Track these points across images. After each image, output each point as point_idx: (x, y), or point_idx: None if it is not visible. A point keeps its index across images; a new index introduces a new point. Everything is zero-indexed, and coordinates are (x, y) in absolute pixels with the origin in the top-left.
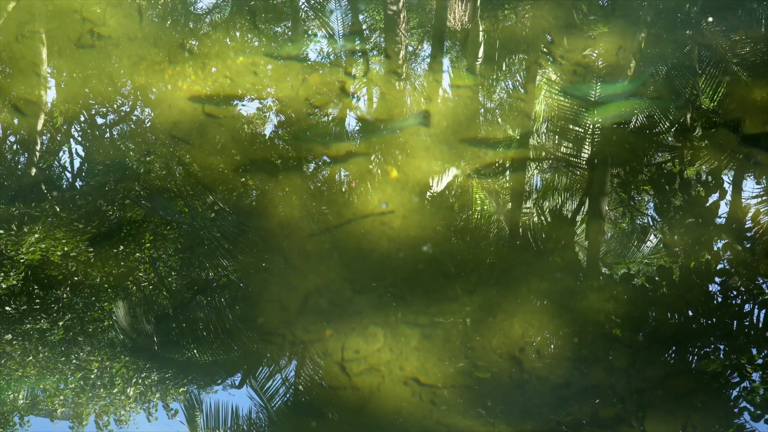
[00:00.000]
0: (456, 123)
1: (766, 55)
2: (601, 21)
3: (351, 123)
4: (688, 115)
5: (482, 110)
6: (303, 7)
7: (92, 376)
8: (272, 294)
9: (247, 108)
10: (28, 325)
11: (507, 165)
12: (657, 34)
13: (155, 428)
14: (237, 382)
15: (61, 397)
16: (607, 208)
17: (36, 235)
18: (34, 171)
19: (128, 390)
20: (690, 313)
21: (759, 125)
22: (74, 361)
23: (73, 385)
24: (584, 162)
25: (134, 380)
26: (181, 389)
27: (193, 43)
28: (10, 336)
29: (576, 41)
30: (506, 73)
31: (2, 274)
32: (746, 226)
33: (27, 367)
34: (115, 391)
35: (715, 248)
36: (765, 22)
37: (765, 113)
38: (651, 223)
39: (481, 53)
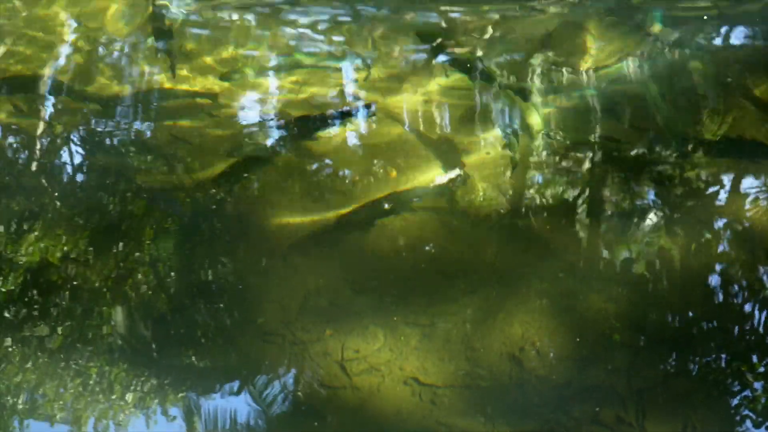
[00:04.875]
0: (456, 123)
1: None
2: (601, 21)
3: (350, 122)
4: (688, 117)
5: (483, 110)
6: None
7: (91, 381)
8: (272, 294)
9: (247, 108)
10: (26, 330)
11: (508, 165)
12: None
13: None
14: (236, 383)
15: (61, 402)
16: (607, 209)
17: (35, 234)
18: (33, 170)
19: (128, 388)
20: (690, 314)
21: (759, 126)
22: (72, 365)
23: (72, 390)
24: (585, 162)
25: (133, 378)
26: (180, 390)
27: (193, 42)
28: (9, 340)
29: (576, 41)
30: (507, 73)
31: (1, 275)
32: (747, 227)
33: (26, 371)
34: (114, 393)
35: (716, 249)
36: (764, 22)
37: (765, 114)
38: (652, 224)
39: (481, 54)
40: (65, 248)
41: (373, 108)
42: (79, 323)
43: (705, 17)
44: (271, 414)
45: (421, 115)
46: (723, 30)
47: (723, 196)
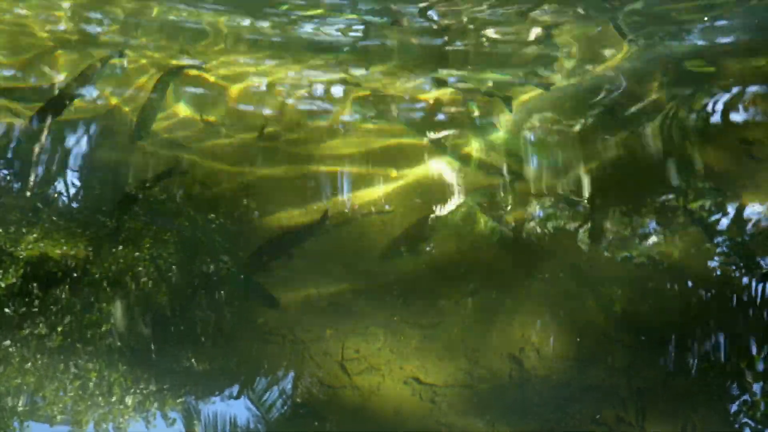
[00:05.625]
0: (456, 123)
1: (764, 54)
2: (600, 21)
3: (350, 122)
4: (687, 114)
5: (484, 111)
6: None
7: (91, 385)
8: (272, 294)
9: (246, 109)
10: (27, 332)
11: (509, 165)
12: (653, 33)
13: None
14: (237, 383)
15: (60, 405)
16: (608, 209)
17: (34, 236)
18: (32, 174)
19: (127, 388)
20: (690, 314)
21: (755, 124)
22: (73, 369)
23: (72, 393)
24: (585, 162)
25: (132, 377)
26: (181, 389)
27: (192, 44)
28: (8, 342)
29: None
30: (506, 73)
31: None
32: (748, 227)
33: (26, 375)
34: (113, 395)
35: (716, 249)
36: (763, 22)
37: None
38: (652, 224)
39: (480, 55)
40: (65, 244)
41: None
42: (77, 322)
43: (705, 19)
44: (271, 413)
45: (418, 115)
46: None
47: (724, 194)
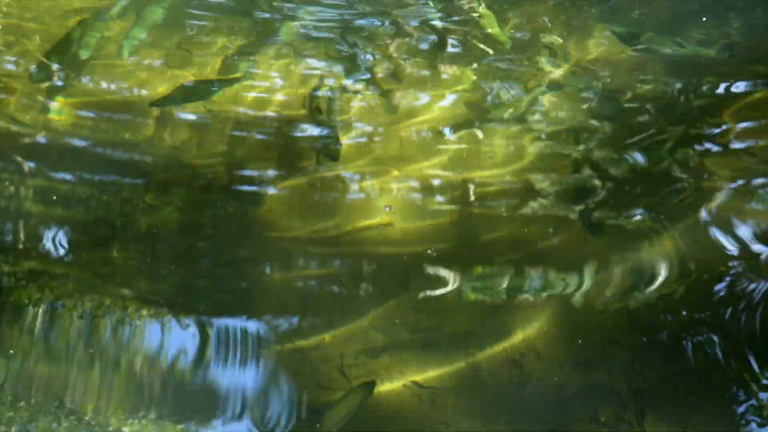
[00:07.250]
0: (455, 124)
1: (764, 51)
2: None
3: (349, 121)
4: (687, 114)
5: (483, 111)
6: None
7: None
8: (271, 297)
9: (246, 110)
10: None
11: (508, 165)
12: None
13: None
14: (236, 385)
15: None
16: (608, 209)
17: (30, 243)
18: (29, 176)
19: (126, 389)
20: (691, 313)
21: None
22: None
23: (67, 424)
24: (586, 162)
25: (130, 379)
26: (180, 393)
27: (191, 41)
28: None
29: (576, 41)
30: (507, 73)
31: None
32: (748, 226)
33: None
34: (111, 397)
35: (717, 248)
36: (763, 20)
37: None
38: (652, 224)
39: (480, 53)
40: (61, 242)
41: None
42: (71, 328)
43: (704, 19)
44: (270, 415)
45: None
46: None
47: (726, 193)
